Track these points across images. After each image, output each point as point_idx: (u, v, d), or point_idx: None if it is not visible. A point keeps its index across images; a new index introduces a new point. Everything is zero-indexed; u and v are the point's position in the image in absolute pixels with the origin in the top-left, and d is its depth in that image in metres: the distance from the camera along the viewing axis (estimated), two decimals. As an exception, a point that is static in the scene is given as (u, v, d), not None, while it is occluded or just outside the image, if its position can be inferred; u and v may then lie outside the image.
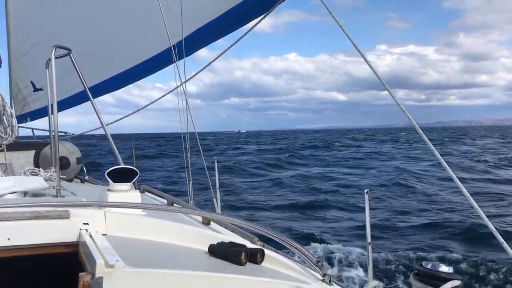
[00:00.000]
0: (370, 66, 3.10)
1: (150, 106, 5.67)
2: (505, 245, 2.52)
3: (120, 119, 6.03)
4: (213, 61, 4.91)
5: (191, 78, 4.81)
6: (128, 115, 6.03)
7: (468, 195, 2.64)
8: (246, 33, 4.38)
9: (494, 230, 2.57)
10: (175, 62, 4.42)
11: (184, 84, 4.36)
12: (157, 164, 27.29)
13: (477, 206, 2.61)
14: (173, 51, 4.32)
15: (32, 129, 6.71)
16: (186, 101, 4.36)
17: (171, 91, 4.91)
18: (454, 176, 2.73)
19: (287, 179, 18.05)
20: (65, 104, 6.00)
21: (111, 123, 6.44)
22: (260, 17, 4.21)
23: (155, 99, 5.84)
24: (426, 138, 2.88)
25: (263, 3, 4.16)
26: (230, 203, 11.14)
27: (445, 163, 2.78)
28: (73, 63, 3.49)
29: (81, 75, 3.56)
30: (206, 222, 2.62)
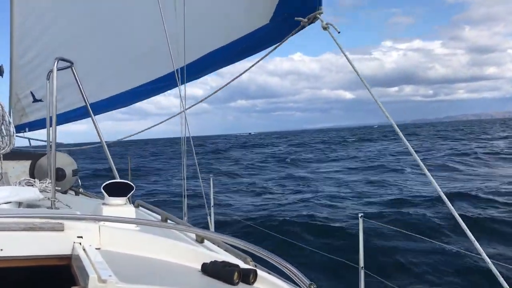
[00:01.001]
0: (349, 61, 3.17)
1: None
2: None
3: (123, 138, 6.11)
4: (221, 89, 4.94)
5: (192, 106, 4.84)
6: (128, 137, 6.12)
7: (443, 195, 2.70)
8: (255, 63, 4.37)
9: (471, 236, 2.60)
10: (179, 86, 4.41)
11: (184, 110, 4.36)
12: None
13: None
14: (177, 76, 4.32)
15: (29, 139, 6.71)
16: (186, 124, 4.35)
17: (172, 116, 4.96)
18: (428, 173, 2.79)
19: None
20: (64, 118, 6.02)
21: (120, 139, 6.49)
22: (271, 48, 4.18)
23: (156, 123, 5.88)
24: (403, 136, 2.97)
25: (275, 34, 4.15)
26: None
27: (420, 161, 2.85)
28: (75, 76, 3.52)
29: (82, 89, 3.58)
30: (200, 240, 2.61)
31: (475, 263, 7.58)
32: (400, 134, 2.94)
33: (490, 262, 2.56)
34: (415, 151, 2.93)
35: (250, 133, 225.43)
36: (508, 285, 2.47)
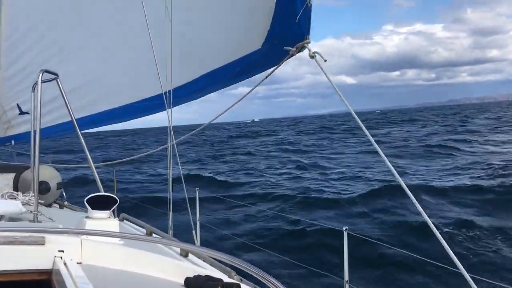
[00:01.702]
0: (333, 86, 3.24)
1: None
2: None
3: (123, 161, 6.11)
4: (216, 118, 4.95)
5: (182, 139, 4.80)
6: (119, 162, 6.09)
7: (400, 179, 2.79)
8: (253, 88, 4.38)
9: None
10: (167, 109, 4.39)
11: (173, 142, 4.35)
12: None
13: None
14: (165, 100, 4.31)
15: (13, 151, 6.64)
16: (176, 153, 4.33)
17: (160, 148, 4.95)
18: (387, 159, 2.89)
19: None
20: (50, 131, 5.97)
21: (115, 162, 6.47)
22: (269, 71, 4.23)
23: (144, 153, 5.87)
24: (362, 124, 3.12)
25: (267, 59, 4.21)
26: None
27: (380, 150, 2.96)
28: (60, 88, 3.51)
29: (67, 102, 3.57)
30: (184, 254, 2.60)
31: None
32: (360, 123, 3.10)
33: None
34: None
35: (253, 120, 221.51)
36: None
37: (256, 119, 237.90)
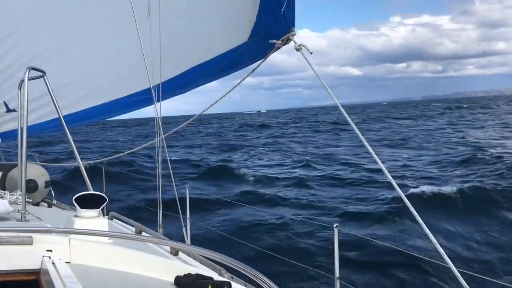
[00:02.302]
0: (319, 78, 3.23)
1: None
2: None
3: (115, 157, 6.02)
4: (203, 112, 4.93)
5: (169, 133, 4.79)
6: (111, 158, 6.01)
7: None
8: (239, 83, 4.37)
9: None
10: (155, 103, 4.36)
11: (162, 137, 4.32)
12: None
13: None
14: (153, 94, 4.28)
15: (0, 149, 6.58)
16: (165, 146, 4.30)
17: (149, 143, 4.92)
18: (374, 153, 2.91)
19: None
20: (37, 129, 5.91)
21: (108, 159, 6.42)
22: (255, 65, 4.22)
23: (133, 149, 5.84)
24: (349, 119, 3.16)
25: (253, 52, 4.20)
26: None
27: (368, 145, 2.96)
28: (47, 86, 3.47)
29: (55, 100, 3.53)
30: (174, 253, 2.59)
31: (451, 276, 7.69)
32: (348, 118, 3.12)
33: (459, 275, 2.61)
34: None
35: (259, 111, 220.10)
36: None
37: (263, 110, 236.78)
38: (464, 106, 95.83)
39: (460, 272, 2.67)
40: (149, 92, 4.38)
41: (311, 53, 3.49)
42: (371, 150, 3.01)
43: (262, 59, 4.06)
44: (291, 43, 3.72)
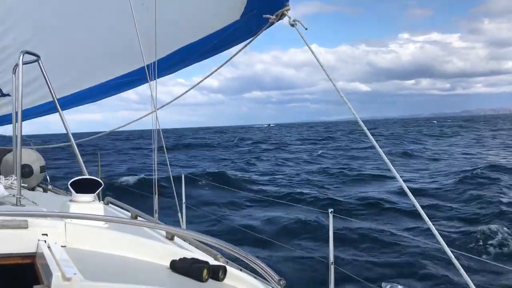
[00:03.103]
0: (316, 58, 3.22)
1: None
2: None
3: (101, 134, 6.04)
4: (186, 92, 4.92)
5: (163, 106, 4.78)
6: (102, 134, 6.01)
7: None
8: (227, 61, 4.36)
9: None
10: (149, 82, 4.35)
11: (155, 110, 4.31)
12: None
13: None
14: (147, 72, 4.25)
15: None
16: (157, 119, 4.30)
17: (144, 116, 4.92)
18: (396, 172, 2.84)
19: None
20: (31, 112, 5.88)
21: (107, 132, 6.40)
22: (246, 42, 4.18)
23: (126, 123, 5.82)
24: (368, 133, 3.00)
25: (247, 30, 4.16)
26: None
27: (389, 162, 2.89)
28: (42, 70, 3.43)
29: (49, 84, 3.50)
30: (170, 237, 2.59)
31: (442, 256, 7.78)
32: (367, 132, 3.00)
33: (452, 256, 2.63)
34: None
35: (269, 125, 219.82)
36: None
37: (272, 124, 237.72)
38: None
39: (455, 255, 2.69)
40: (142, 72, 4.36)
41: (306, 29, 3.38)
42: (387, 160, 2.91)
43: (255, 35, 4.01)
44: (286, 18, 3.61)
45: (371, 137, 2.95)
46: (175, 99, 5.08)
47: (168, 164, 4.34)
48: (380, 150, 2.91)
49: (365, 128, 3.02)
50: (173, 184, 4.48)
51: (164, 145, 4.23)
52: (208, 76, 4.57)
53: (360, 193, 15.16)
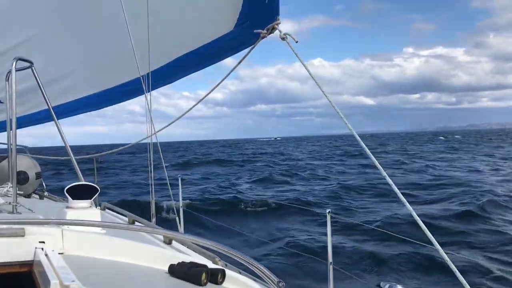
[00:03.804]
0: (308, 70, 3.23)
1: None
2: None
3: (104, 154, 6.08)
4: (189, 110, 4.87)
5: (161, 130, 4.73)
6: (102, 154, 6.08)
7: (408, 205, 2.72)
8: (228, 74, 4.33)
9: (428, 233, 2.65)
10: (145, 93, 4.32)
11: (152, 134, 4.28)
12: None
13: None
14: (143, 83, 4.23)
15: None
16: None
17: (141, 140, 4.88)
18: (393, 184, 2.80)
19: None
20: (26, 120, 5.85)
21: (101, 154, 6.41)
22: (244, 53, 4.16)
23: (128, 145, 5.80)
24: (364, 146, 2.97)
25: (239, 41, 4.16)
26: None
27: (385, 174, 2.85)
28: (36, 77, 3.41)
29: (43, 91, 3.48)
30: (168, 242, 2.58)
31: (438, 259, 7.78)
32: (363, 145, 2.98)
33: (447, 259, 2.63)
34: None
35: (276, 138, 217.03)
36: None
37: (278, 138, 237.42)
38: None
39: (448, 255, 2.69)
40: (138, 82, 4.34)
41: (297, 41, 3.42)
42: (384, 173, 2.88)
43: (250, 48, 4.02)
44: (276, 32, 3.65)
45: (368, 151, 2.94)
46: (170, 123, 5.02)
47: (165, 170, 4.32)
48: (377, 163, 2.86)
49: (362, 143, 3.02)
50: (169, 188, 4.46)
51: (161, 154, 4.20)
52: (207, 94, 4.57)
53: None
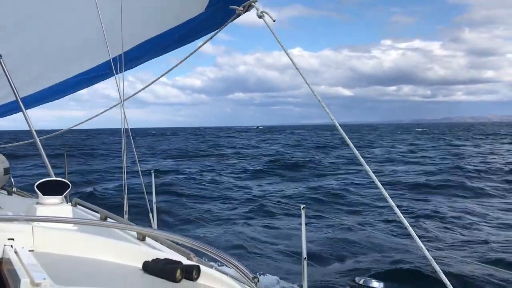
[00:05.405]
0: (286, 51, 3.23)
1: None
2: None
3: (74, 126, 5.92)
4: (152, 83, 4.86)
5: (130, 97, 4.71)
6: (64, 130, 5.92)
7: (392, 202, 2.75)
8: (192, 53, 4.31)
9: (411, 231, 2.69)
10: (115, 75, 4.27)
11: (122, 102, 4.23)
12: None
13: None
14: (112, 65, 4.17)
15: None
16: (125, 115, 4.22)
17: (110, 108, 4.83)
18: (376, 178, 2.83)
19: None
20: None
21: (67, 129, 6.26)
22: (211, 35, 4.15)
23: (93, 116, 5.69)
24: (348, 139, 2.98)
25: (211, 22, 4.13)
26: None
27: (368, 167, 2.88)
28: (4, 69, 3.32)
29: (12, 83, 3.39)
30: (141, 238, 2.55)
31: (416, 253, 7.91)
32: (346, 138, 2.99)
33: (430, 257, 2.67)
34: None
35: (258, 127, 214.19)
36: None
37: (260, 126, 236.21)
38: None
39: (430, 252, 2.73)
40: (108, 65, 4.28)
41: (274, 21, 3.34)
42: (367, 166, 2.89)
43: (220, 27, 3.97)
44: (253, 10, 3.55)
45: (349, 141, 2.95)
46: (140, 90, 5.02)
47: (138, 164, 4.26)
48: (358, 154, 2.88)
49: (343, 133, 3.02)
50: (142, 182, 4.40)
51: (134, 149, 4.14)
52: (173, 68, 4.57)
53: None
